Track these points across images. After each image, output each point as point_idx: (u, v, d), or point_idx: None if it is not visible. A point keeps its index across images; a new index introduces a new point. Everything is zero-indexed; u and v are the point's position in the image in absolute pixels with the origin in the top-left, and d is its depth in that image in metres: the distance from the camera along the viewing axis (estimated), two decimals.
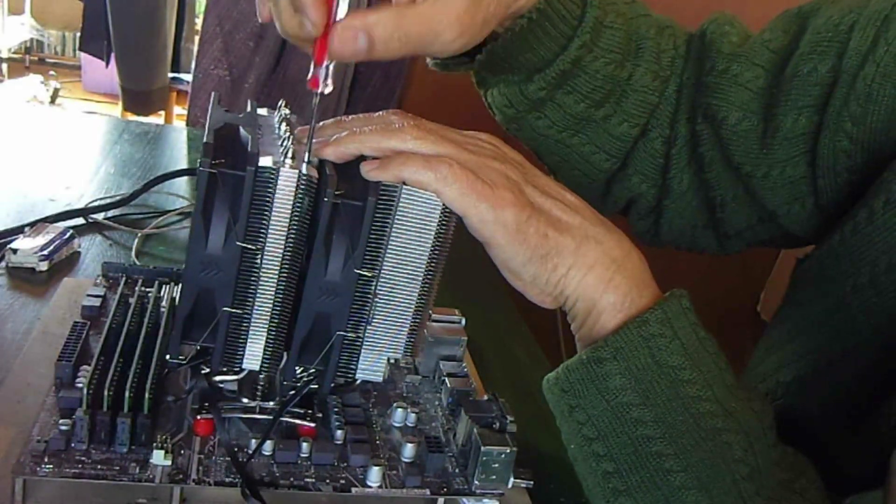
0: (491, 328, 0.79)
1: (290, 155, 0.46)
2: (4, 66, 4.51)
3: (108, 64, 2.62)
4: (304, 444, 0.50)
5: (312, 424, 0.52)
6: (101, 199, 0.91)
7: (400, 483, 0.50)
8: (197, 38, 1.36)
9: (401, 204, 0.46)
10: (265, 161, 0.45)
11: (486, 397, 0.59)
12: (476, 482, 0.51)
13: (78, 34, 3.33)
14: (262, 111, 0.54)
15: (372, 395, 0.59)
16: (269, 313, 0.47)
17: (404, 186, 0.46)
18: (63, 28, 4.81)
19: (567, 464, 0.49)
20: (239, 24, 1.28)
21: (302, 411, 0.52)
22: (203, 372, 0.52)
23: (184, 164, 1.13)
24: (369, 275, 0.47)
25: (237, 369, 0.49)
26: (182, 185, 1.01)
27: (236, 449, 0.50)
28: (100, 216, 0.87)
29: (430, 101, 1.37)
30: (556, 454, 0.62)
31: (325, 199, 0.45)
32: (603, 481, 0.47)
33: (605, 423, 0.45)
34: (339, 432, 0.53)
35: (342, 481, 0.49)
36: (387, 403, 0.58)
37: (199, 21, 2.65)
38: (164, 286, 0.66)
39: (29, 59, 4.78)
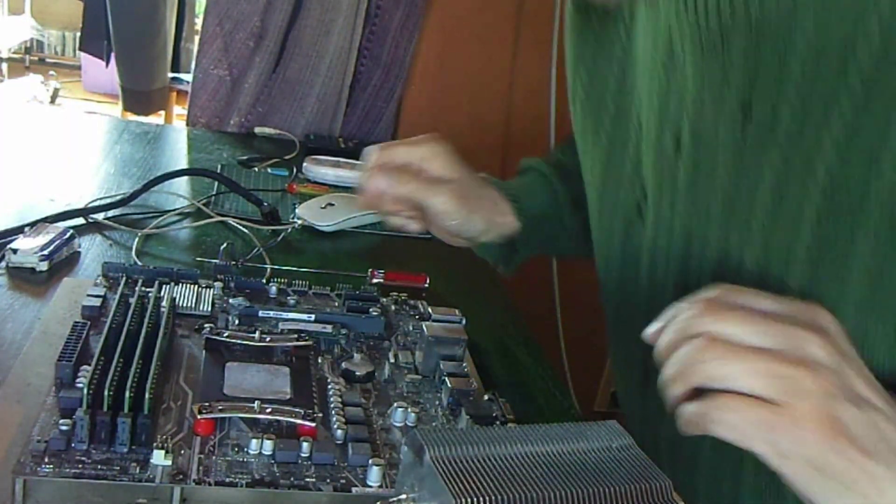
0: (491, 328, 0.79)
1: None
2: (4, 66, 4.51)
3: (108, 64, 2.62)
4: (304, 444, 0.50)
5: (312, 424, 0.52)
6: (101, 199, 0.91)
7: None
8: (197, 38, 1.35)
9: None
10: None
11: (486, 397, 0.59)
12: None
13: (78, 34, 3.33)
14: None
15: (372, 395, 0.59)
16: None
17: None
18: (63, 28, 4.81)
19: None
20: (239, 24, 1.28)
21: (302, 411, 0.52)
22: None
23: (184, 164, 1.13)
24: None
25: None
26: (182, 185, 1.01)
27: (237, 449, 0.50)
28: (100, 216, 0.87)
29: (430, 101, 1.37)
30: None
31: None
32: None
33: None
34: (339, 432, 0.53)
35: (342, 481, 0.49)
36: (387, 403, 0.58)
37: (199, 21, 2.65)
38: (164, 286, 0.66)
39: (29, 59, 4.78)
